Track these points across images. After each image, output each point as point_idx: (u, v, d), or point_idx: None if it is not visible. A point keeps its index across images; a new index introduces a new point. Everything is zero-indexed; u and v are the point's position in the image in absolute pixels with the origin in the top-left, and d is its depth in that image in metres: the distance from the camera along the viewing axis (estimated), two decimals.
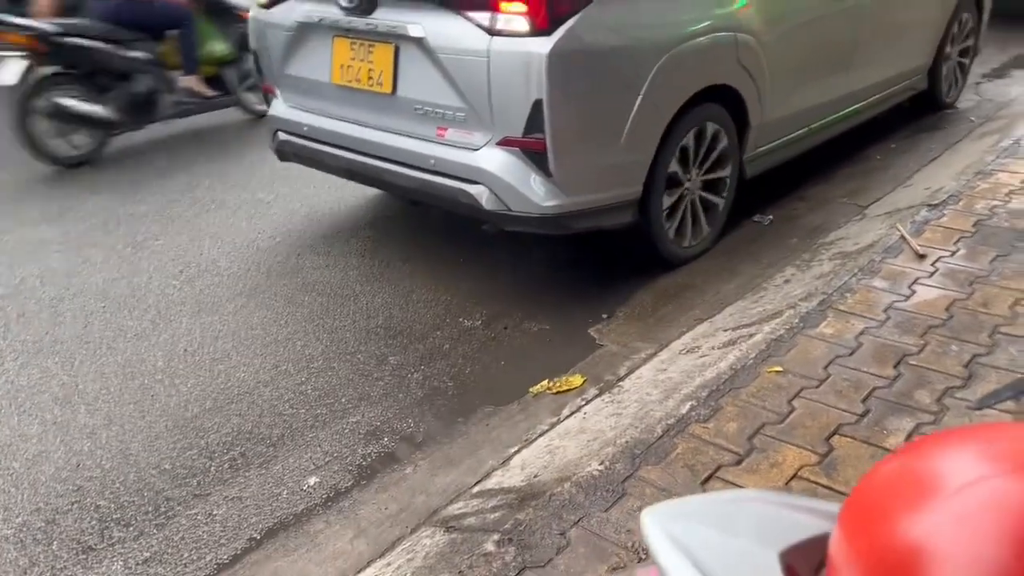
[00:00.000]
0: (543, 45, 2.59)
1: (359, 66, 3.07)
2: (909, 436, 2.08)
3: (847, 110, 4.10)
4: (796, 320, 2.64)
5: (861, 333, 2.54)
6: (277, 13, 3.36)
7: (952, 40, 4.84)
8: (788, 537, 0.67)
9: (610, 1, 2.73)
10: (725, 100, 3.23)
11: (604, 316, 3.08)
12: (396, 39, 2.92)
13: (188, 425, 2.57)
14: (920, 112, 5.01)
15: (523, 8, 2.61)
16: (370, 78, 3.04)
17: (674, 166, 3.13)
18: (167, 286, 3.43)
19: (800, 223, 3.74)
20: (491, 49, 2.66)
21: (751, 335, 2.61)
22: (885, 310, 2.66)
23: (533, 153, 2.74)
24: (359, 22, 2.99)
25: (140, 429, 2.56)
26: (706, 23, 3.04)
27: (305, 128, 3.39)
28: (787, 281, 3.04)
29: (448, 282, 3.36)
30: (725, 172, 3.40)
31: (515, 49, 2.64)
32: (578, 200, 2.87)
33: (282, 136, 3.54)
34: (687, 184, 3.24)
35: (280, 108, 3.53)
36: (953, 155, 4.21)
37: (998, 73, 5.96)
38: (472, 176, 2.86)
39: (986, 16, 5.15)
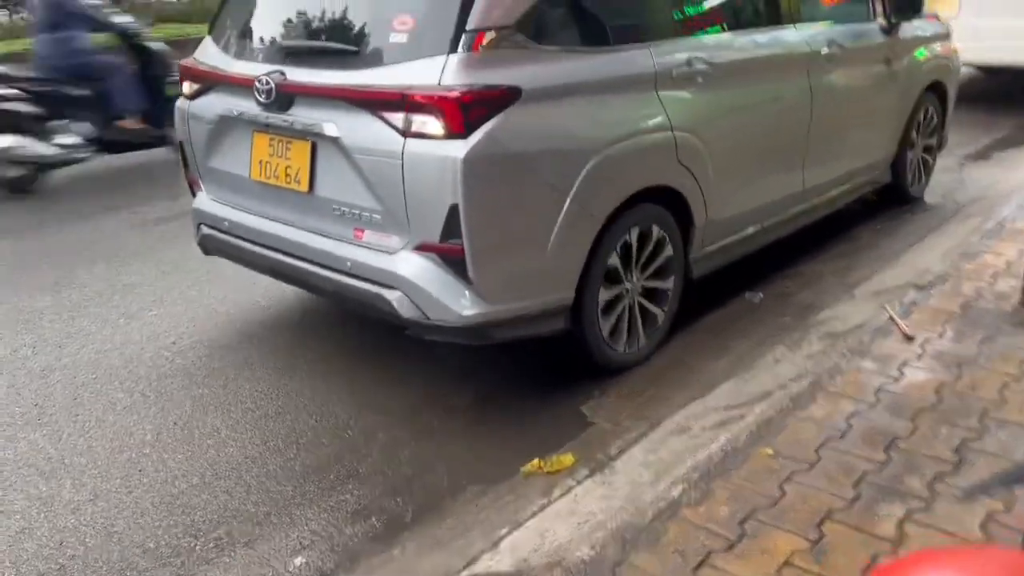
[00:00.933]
0: (459, 149, 2.49)
1: (277, 163, 3.00)
2: (900, 523, 2.07)
3: (804, 206, 4.03)
4: (787, 401, 2.65)
5: (851, 415, 2.55)
6: (200, 104, 3.29)
7: (916, 133, 4.84)
8: None
9: (533, 102, 2.63)
10: (666, 200, 3.14)
11: (596, 393, 3.08)
12: (313, 136, 2.85)
13: (175, 502, 2.54)
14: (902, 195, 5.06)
15: (437, 111, 2.51)
16: (287, 175, 2.97)
17: (611, 270, 3.02)
18: (159, 357, 3.43)
19: (791, 301, 3.78)
20: (405, 151, 2.57)
21: (742, 416, 2.61)
22: (875, 392, 2.68)
23: (451, 259, 2.62)
24: (276, 118, 2.91)
25: (126, 505, 2.53)
26: (640, 123, 2.97)
27: (226, 223, 3.30)
28: (778, 361, 3.05)
29: (439, 357, 3.36)
30: (668, 275, 3.28)
31: (429, 152, 2.54)
32: (502, 308, 2.73)
33: (204, 230, 3.43)
34: (626, 288, 3.12)
35: (203, 201, 3.44)
36: (939, 236, 4.29)
37: (981, 155, 6.11)
38: (388, 281, 2.74)
39: (950, 107, 5.17)
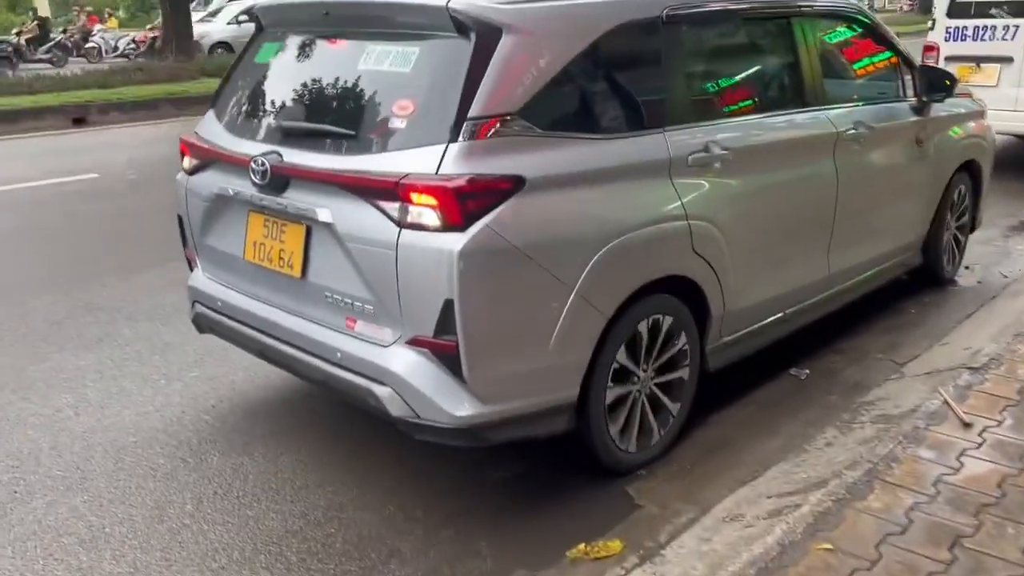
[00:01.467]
0: (455, 242, 2.38)
1: (271, 245, 2.90)
2: None
3: (829, 292, 3.85)
4: (843, 491, 2.57)
5: (911, 509, 2.46)
6: (198, 181, 3.21)
7: (949, 213, 4.69)
8: None
9: (537, 192, 2.51)
10: (680, 290, 3.00)
11: (642, 472, 3.02)
12: (307, 221, 2.75)
13: None
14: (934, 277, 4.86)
15: (434, 202, 2.40)
16: (281, 259, 2.87)
17: (619, 364, 2.86)
18: (199, 421, 3.42)
19: (838, 379, 3.70)
20: (400, 242, 2.45)
21: (797, 505, 2.53)
22: (934, 484, 2.59)
23: (445, 356, 2.48)
24: (271, 200, 2.81)
25: None
26: (652, 212, 2.84)
27: (219, 303, 3.21)
28: (829, 444, 2.98)
29: None
30: (683, 367, 3.12)
31: (424, 244, 2.42)
32: (498, 409, 2.57)
33: (199, 308, 3.34)
34: (636, 383, 2.96)
35: (198, 279, 3.35)
36: (988, 313, 4.20)
37: None
38: (378, 376, 2.60)
39: (985, 186, 4.98)
